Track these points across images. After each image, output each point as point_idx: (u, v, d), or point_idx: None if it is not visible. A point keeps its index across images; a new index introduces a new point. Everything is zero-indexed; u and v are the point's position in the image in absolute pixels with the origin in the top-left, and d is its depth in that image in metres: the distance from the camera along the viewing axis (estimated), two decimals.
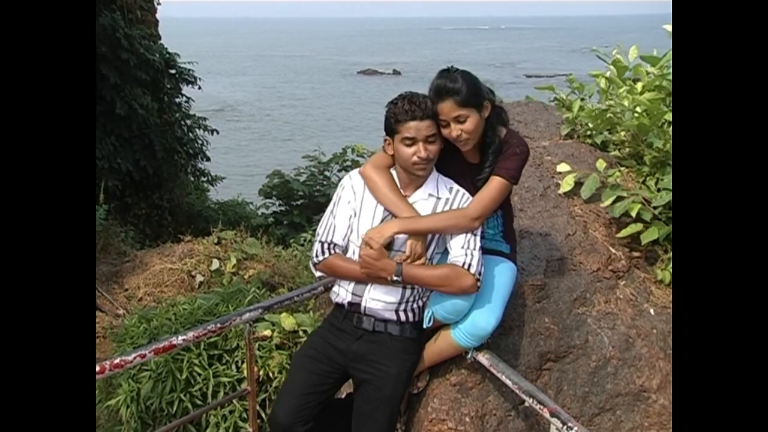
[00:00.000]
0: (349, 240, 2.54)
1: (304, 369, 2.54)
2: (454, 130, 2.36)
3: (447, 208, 2.46)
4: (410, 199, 2.47)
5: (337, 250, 2.52)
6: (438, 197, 2.48)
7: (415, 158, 2.35)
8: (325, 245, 2.51)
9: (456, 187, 2.50)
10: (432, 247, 2.48)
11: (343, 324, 2.56)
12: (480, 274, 2.36)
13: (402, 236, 2.41)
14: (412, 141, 2.33)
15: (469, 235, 2.40)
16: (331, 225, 2.54)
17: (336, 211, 2.55)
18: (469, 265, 2.34)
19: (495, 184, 2.42)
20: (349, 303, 2.53)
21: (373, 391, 2.48)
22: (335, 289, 2.62)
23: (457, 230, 2.40)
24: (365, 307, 2.50)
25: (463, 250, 2.38)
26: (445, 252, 2.50)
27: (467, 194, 2.48)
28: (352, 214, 2.52)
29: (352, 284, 2.52)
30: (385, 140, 2.44)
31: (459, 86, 2.32)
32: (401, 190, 2.48)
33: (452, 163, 2.54)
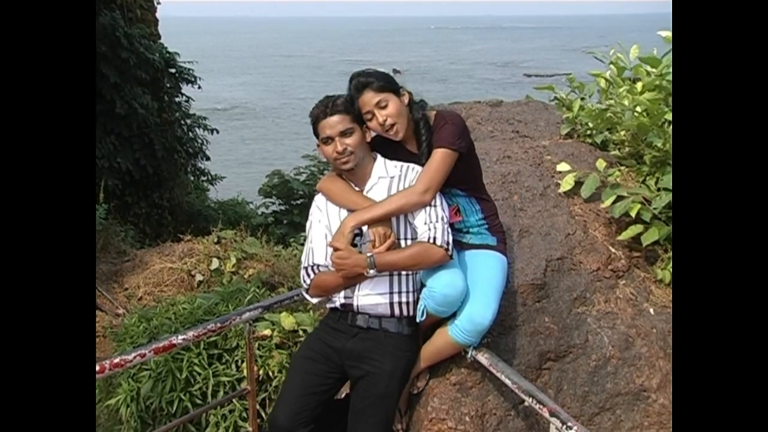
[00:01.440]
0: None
1: (302, 370, 2.55)
2: (380, 116, 2.46)
3: (401, 184, 2.52)
4: (364, 189, 2.54)
5: (322, 269, 2.55)
6: (390, 177, 2.54)
7: (334, 154, 2.45)
8: (309, 269, 2.57)
9: (405, 164, 2.57)
10: (402, 234, 2.50)
11: (338, 324, 2.58)
12: (448, 244, 2.39)
13: (366, 228, 2.47)
14: (329, 139, 2.45)
15: (429, 209, 2.45)
16: (309, 249, 2.60)
17: (311, 235, 2.61)
18: (434, 238, 2.38)
19: (435, 155, 2.47)
20: (342, 304, 2.56)
21: (367, 388, 2.48)
22: None
23: (411, 207, 2.46)
24: (358, 305, 2.52)
25: (426, 225, 2.42)
26: None
27: (417, 167, 2.54)
28: (327, 232, 2.56)
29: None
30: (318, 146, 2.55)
31: (373, 78, 2.48)
32: (355, 187, 2.55)
33: (397, 159, 2.61)
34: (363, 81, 2.47)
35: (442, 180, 2.48)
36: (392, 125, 2.48)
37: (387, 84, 2.49)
